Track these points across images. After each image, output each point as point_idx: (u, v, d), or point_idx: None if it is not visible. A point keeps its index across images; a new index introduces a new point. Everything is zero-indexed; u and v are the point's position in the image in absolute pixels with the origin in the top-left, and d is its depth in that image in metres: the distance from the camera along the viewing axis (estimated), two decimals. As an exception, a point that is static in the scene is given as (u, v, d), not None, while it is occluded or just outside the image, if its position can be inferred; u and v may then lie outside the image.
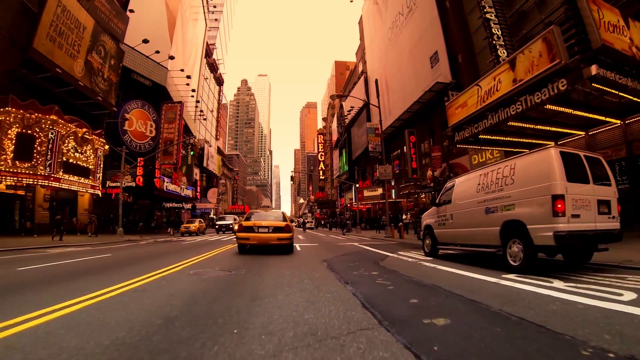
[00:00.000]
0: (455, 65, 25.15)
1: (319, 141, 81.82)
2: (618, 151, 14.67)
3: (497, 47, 19.04)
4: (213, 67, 71.09)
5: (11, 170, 21.48)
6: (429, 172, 25.21)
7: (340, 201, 60.10)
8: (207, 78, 66.32)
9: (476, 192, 7.75)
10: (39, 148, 22.39)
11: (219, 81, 76.65)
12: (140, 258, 9.91)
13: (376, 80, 28.38)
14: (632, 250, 8.56)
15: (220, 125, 79.48)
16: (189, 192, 43.75)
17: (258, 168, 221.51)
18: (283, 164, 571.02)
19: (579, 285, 4.87)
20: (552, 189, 5.76)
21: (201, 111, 55.99)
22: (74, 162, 25.05)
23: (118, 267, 7.82)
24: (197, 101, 51.42)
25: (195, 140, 50.84)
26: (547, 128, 13.97)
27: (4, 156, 21.23)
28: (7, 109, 21.48)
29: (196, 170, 54.74)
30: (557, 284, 4.99)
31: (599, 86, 9.82)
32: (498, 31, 19.58)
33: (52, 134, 22.63)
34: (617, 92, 10.48)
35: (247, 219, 11.12)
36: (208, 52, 65.88)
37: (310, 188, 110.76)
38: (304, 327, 3.06)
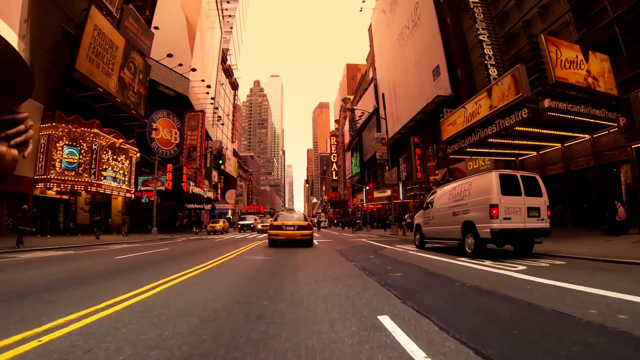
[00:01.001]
0: (454, 78, 27.80)
1: (332, 142, 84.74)
2: (589, 160, 17.28)
3: (489, 66, 21.67)
4: (228, 72, 74.55)
5: (60, 177, 24.86)
6: (432, 177, 27.96)
7: (352, 201, 63.02)
8: (222, 83, 69.72)
9: (449, 199, 10.63)
10: (83, 158, 25.74)
11: (234, 86, 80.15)
12: (196, 250, 13.01)
13: (383, 95, 31.31)
14: (573, 244, 11.28)
15: (235, 128, 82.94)
16: (210, 194, 47.27)
17: (271, 168, 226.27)
18: (296, 164, 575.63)
19: (499, 264, 7.70)
20: (490, 200, 8.61)
21: (219, 117, 59.38)
22: (112, 169, 28.44)
23: (186, 256, 10.87)
24: (216, 108, 54.87)
25: (224, 149, 54.32)
26: (524, 142, 16.77)
27: (54, 165, 24.61)
28: (54, 124, 24.83)
29: (214, 173, 58.16)
30: (487, 263, 7.84)
31: (553, 114, 12.56)
32: (490, 51, 22.21)
33: (95, 145, 25.99)
34: (573, 117, 13.20)
35: (276, 219, 14.22)
36: (224, 59, 69.36)
37: (324, 188, 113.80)
38: (327, 275, 6.07)
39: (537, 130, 14.41)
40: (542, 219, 9.17)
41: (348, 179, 70.35)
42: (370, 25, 54.65)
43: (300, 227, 13.47)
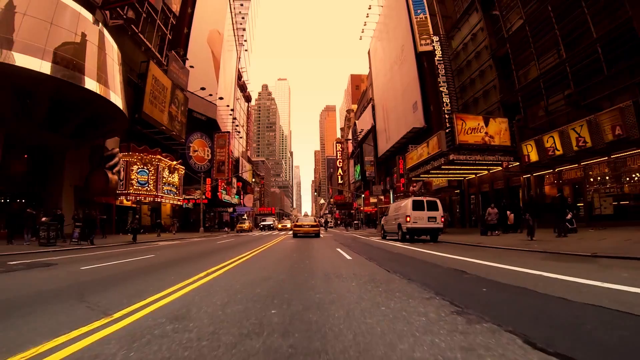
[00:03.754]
0: (428, 112, 37.10)
1: (337, 149, 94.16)
2: (503, 183, 26.56)
3: (445, 112, 31.03)
4: (243, 87, 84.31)
5: (135, 191, 34.60)
6: (411, 188, 37.28)
7: (354, 204, 72.58)
8: (238, 98, 79.45)
9: (394, 211, 20.05)
10: (151, 177, 35.48)
11: (248, 98, 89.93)
12: (252, 240, 22.55)
13: (375, 127, 40.42)
14: (460, 237, 20.59)
15: (249, 137, 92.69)
16: (236, 200, 57.13)
17: (280, 170, 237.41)
18: (303, 164, 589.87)
19: (403, 243, 17.08)
20: (405, 213, 17.98)
21: (238, 132, 69.17)
22: (169, 183, 38.24)
23: (253, 242, 20.34)
24: (237, 125, 64.58)
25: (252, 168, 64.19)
26: (459, 172, 26.10)
27: (132, 183, 34.36)
28: (130, 153, 34.58)
29: (234, 180, 67.97)
30: (399, 244, 17.20)
31: (459, 161, 21.87)
32: (447, 99, 31.57)
33: (161, 167, 35.78)
34: (476, 159, 22.51)
35: (297, 221, 23.90)
36: (239, 76, 79.12)
37: (330, 191, 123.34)
38: (324, 245, 15.65)
39: (460, 167, 23.75)
40: (438, 223, 18.45)
41: (352, 183, 79.84)
42: (369, 50, 63.93)
43: (312, 226, 23.20)
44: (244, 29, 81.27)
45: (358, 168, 69.70)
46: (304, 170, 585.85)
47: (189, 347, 2.82)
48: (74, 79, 21.50)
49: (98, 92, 22.99)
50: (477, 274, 6.58)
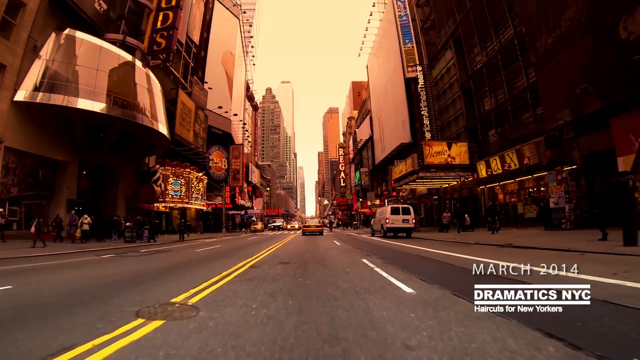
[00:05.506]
0: (414, 128, 44.79)
1: (340, 154, 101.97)
2: (467, 191, 34.27)
3: (425, 132, 38.74)
4: (250, 97, 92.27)
5: (170, 199, 42.53)
6: (401, 193, 45.04)
7: (354, 206, 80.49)
8: (246, 109, 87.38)
9: (379, 215, 27.85)
10: (183, 187, 43.40)
11: (255, 107, 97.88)
12: (272, 237, 30.34)
13: (372, 138, 48.11)
14: (428, 234, 28.34)
15: (256, 143, 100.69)
16: (249, 204, 65.16)
17: (284, 172, 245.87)
18: (307, 165, 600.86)
19: (382, 238, 24.85)
20: (385, 215, 25.73)
21: (249, 141, 77.13)
22: (196, 192, 46.23)
23: (273, 238, 28.12)
24: (248, 136, 72.58)
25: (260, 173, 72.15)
26: (433, 183, 33.88)
27: (167, 192, 42.26)
28: (166, 167, 42.47)
29: (244, 184, 76.01)
30: (378, 238, 24.97)
31: (427, 177, 29.59)
32: (427, 121, 39.30)
33: (191, 179, 43.75)
34: (441, 175, 30.27)
35: (305, 222, 31.94)
36: (247, 87, 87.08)
37: (334, 193, 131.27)
38: (325, 239, 23.52)
39: (429, 180, 31.47)
40: (410, 223, 26.05)
41: (353, 187, 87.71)
42: (367, 65, 71.61)
43: (317, 226, 31.21)
44: (252, 46, 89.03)
45: (358, 174, 77.62)
46: (307, 171, 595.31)
47: (284, 257, 10.75)
48: (135, 118, 29.30)
49: (153, 126, 30.84)
50: (393, 249, 14.47)
